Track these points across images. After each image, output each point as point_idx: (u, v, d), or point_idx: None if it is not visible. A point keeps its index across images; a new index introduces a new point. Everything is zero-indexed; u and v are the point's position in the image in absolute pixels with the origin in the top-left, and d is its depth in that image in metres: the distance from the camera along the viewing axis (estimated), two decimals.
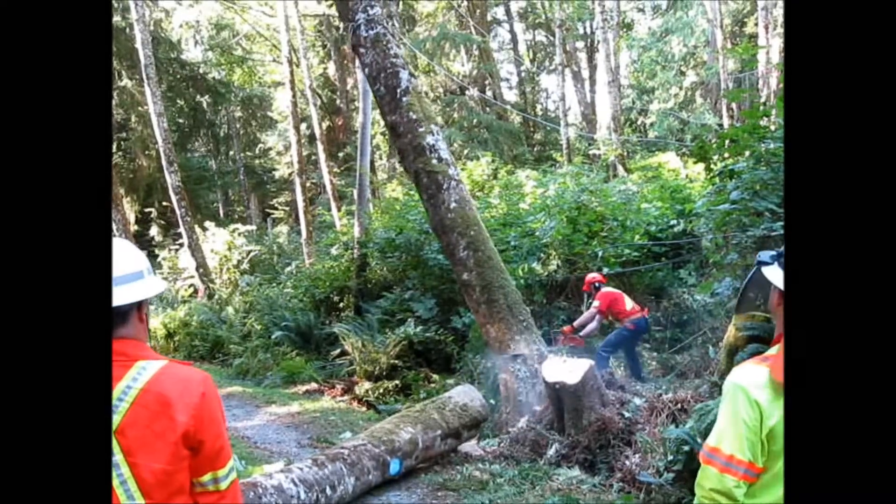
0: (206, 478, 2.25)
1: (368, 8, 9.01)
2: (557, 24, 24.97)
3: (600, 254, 10.85)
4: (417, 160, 8.59)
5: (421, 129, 8.61)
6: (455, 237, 8.42)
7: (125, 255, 2.33)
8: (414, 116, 8.64)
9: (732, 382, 2.27)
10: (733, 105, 23.88)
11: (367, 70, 9.19)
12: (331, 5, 27.37)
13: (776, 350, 2.25)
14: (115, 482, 2.13)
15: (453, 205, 8.48)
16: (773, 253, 2.31)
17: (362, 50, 9.00)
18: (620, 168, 21.67)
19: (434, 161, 8.54)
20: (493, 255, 8.53)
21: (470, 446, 7.85)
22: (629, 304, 10.07)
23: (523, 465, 6.92)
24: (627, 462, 6.65)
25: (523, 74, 33.62)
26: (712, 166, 8.19)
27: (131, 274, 2.31)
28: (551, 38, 28.75)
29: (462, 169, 19.19)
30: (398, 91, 8.72)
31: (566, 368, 7.42)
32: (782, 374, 2.10)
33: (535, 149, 28.00)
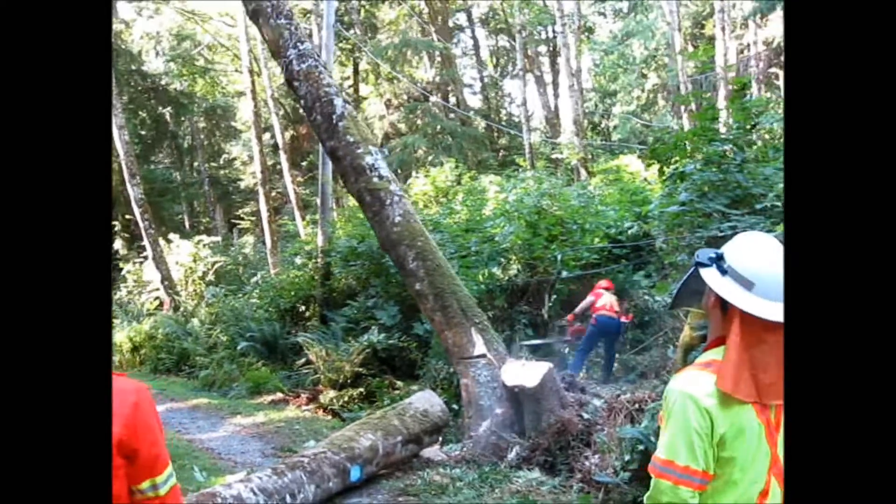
0: (145, 485, 2.30)
1: (299, 44, 9.47)
2: (518, 30, 25.14)
3: (559, 257, 10.97)
4: (359, 180, 8.87)
5: (359, 151, 8.92)
6: (403, 250, 8.63)
7: None
8: (351, 139, 8.97)
9: (680, 391, 2.22)
10: (693, 106, 24.18)
11: (302, 101, 9.58)
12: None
13: (718, 354, 2.23)
14: None
15: (398, 219, 8.71)
16: (712, 254, 2.29)
17: (296, 83, 9.41)
18: (583, 171, 21.86)
19: (375, 179, 8.82)
20: (443, 263, 8.74)
21: (432, 451, 7.92)
22: (601, 301, 10.51)
23: (484, 468, 6.99)
24: (587, 463, 6.75)
25: (486, 80, 33.77)
26: (665, 169, 8.33)
27: None
28: (513, 44, 28.94)
29: (425, 175, 19.30)
30: (334, 117, 9.07)
31: (525, 372, 7.51)
32: (726, 383, 2.12)
33: (500, 154, 28.14)
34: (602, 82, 32.52)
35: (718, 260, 2.26)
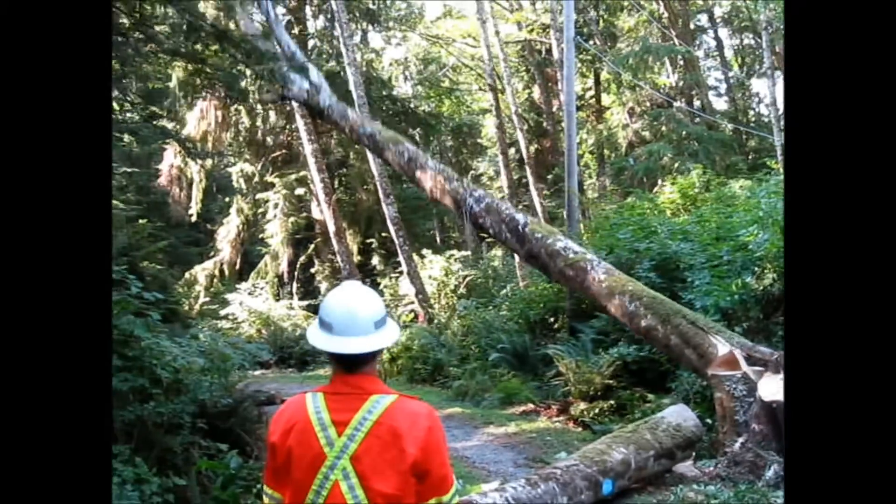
0: (432, 502, 2.53)
1: (473, 192, 11.69)
2: (763, 26, 23.99)
3: None
4: (557, 262, 10.26)
5: (549, 241, 10.50)
6: (618, 298, 9.56)
7: (376, 298, 2.71)
8: (539, 235, 10.66)
9: None
10: None
11: (491, 231, 11.43)
12: (531, 30, 27.79)
13: None
14: (350, 502, 2.45)
15: (602, 276, 9.87)
16: None
17: (482, 220, 11.31)
18: None
19: (570, 255, 10.19)
20: (657, 296, 9.51)
21: (685, 467, 7.78)
22: None
23: (740, 486, 6.78)
24: None
25: (732, 81, 32.48)
26: None
27: (385, 315, 2.68)
28: (759, 41, 27.64)
29: (672, 183, 18.89)
30: (519, 227, 10.86)
31: (783, 387, 7.22)
32: None
33: (749, 157, 26.92)
34: None
35: None
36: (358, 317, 2.59)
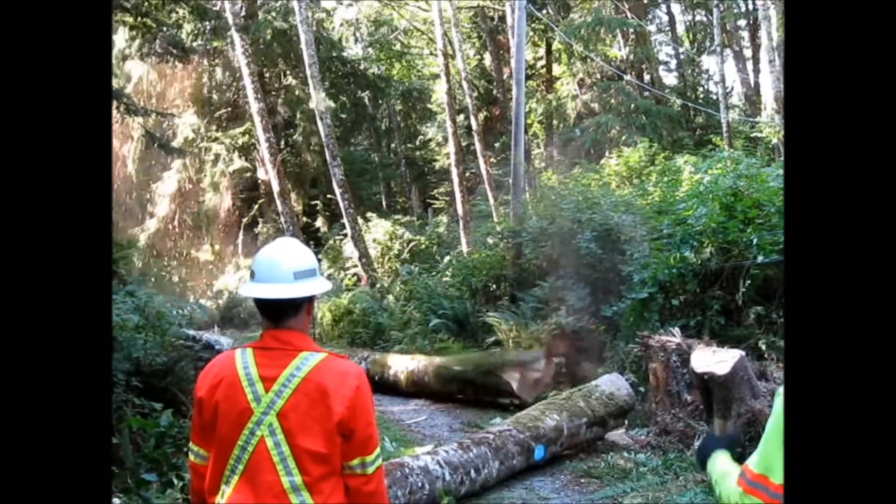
0: (355, 462, 2.51)
1: None
2: (715, 3, 24.15)
3: (755, 241, 10.56)
4: None
5: None
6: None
7: (303, 252, 2.69)
8: None
9: (778, 393, 1.92)
10: None
11: None
12: None
13: None
14: (276, 458, 2.42)
15: None
16: None
17: None
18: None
19: None
20: None
21: (618, 435, 7.91)
22: None
23: (669, 455, 6.92)
24: None
25: (682, 57, 32.68)
26: None
27: (309, 269, 2.65)
28: (711, 18, 27.81)
29: (618, 155, 19.00)
30: None
31: (715, 359, 7.35)
32: None
33: (696, 133, 27.15)
34: None
35: None
36: (279, 265, 2.60)
